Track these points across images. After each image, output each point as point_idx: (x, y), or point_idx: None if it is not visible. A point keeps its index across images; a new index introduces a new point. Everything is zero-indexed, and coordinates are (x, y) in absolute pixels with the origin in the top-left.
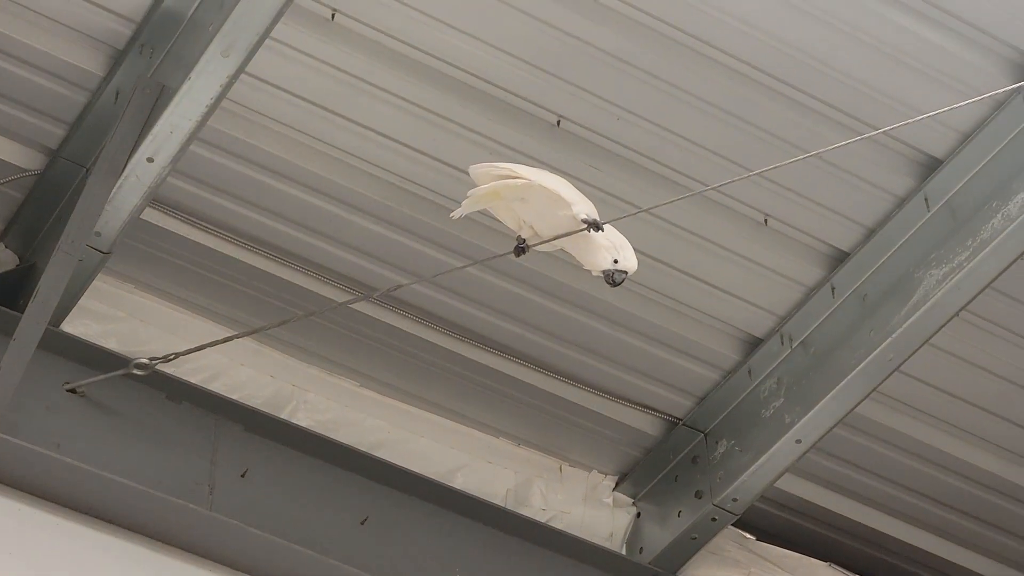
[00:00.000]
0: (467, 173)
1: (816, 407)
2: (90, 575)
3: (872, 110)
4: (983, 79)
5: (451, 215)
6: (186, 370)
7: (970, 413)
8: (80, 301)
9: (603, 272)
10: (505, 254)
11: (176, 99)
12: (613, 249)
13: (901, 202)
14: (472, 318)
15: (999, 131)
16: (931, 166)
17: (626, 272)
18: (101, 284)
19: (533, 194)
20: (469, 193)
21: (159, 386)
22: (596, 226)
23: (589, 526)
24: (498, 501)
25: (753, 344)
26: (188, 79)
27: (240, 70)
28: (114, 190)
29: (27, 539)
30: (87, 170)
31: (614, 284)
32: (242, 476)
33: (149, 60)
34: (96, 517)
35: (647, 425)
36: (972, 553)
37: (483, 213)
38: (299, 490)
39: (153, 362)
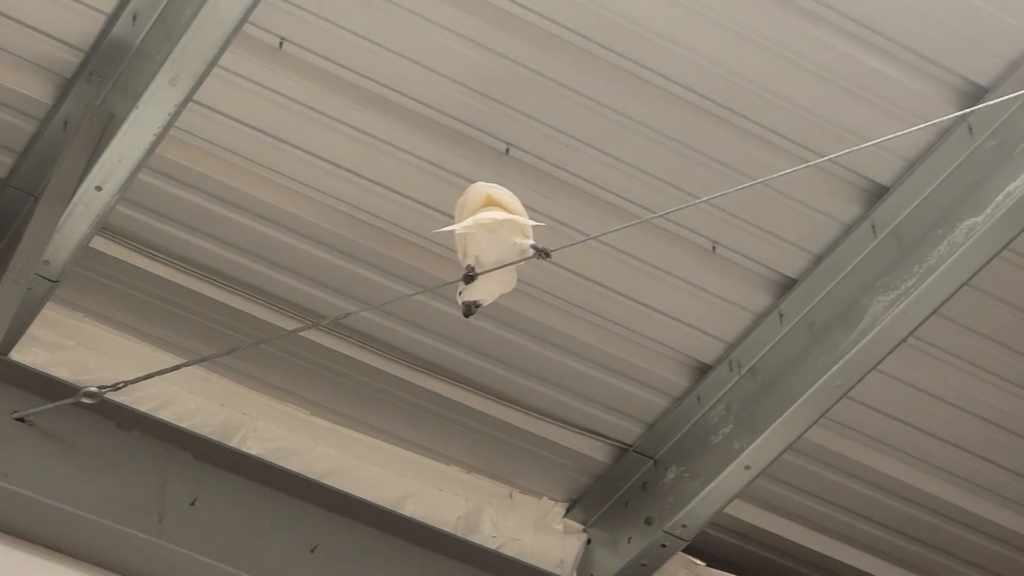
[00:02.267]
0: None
1: (765, 433)
2: None
3: (818, 138)
4: (928, 107)
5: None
6: (135, 398)
7: (918, 439)
8: (29, 329)
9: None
10: (454, 282)
11: (124, 128)
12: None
13: (848, 229)
14: (422, 345)
15: (944, 158)
16: (877, 193)
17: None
18: (50, 312)
19: (505, 226)
20: (477, 218)
21: (108, 414)
22: (545, 254)
23: (540, 553)
24: (448, 528)
25: (702, 371)
26: (136, 108)
27: (188, 99)
28: (62, 218)
29: None
30: (35, 198)
31: (468, 314)
32: (192, 504)
33: (97, 89)
34: (45, 546)
35: (597, 452)
36: None
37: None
38: (249, 518)
39: (102, 390)
